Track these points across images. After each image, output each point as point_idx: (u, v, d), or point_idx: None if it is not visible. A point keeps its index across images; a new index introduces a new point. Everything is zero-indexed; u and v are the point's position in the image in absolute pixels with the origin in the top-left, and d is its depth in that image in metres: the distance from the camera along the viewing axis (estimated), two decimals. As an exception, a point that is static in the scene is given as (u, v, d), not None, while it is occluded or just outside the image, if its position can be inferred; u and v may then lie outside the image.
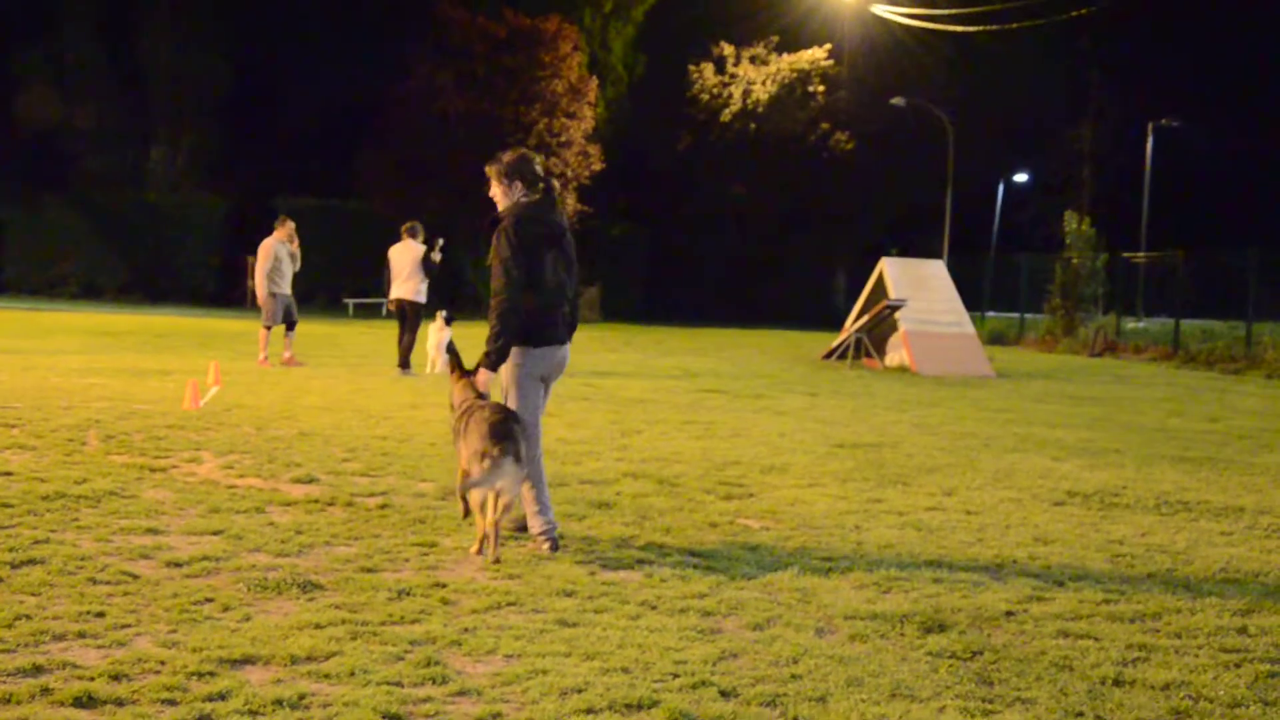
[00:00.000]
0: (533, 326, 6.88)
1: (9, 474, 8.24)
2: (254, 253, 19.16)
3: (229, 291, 44.61)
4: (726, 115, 48.74)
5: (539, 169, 7.12)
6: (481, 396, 6.97)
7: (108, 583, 5.61)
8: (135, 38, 48.33)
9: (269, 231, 19.11)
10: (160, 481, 8.31)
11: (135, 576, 5.75)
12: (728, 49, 48.51)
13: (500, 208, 7.06)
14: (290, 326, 18.88)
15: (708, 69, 48.80)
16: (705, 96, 49.05)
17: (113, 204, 46.47)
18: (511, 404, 6.93)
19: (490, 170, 7.13)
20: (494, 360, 6.86)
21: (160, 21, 47.92)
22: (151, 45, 48.18)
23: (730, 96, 48.84)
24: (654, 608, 5.58)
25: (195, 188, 48.64)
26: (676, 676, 4.63)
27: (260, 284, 18.80)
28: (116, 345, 21.63)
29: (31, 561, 5.88)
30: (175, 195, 48.04)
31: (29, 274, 45.77)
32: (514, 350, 6.90)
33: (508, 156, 7.12)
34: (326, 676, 4.48)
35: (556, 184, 7.31)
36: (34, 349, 19.66)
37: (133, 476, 8.42)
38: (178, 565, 6.01)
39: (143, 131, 49.22)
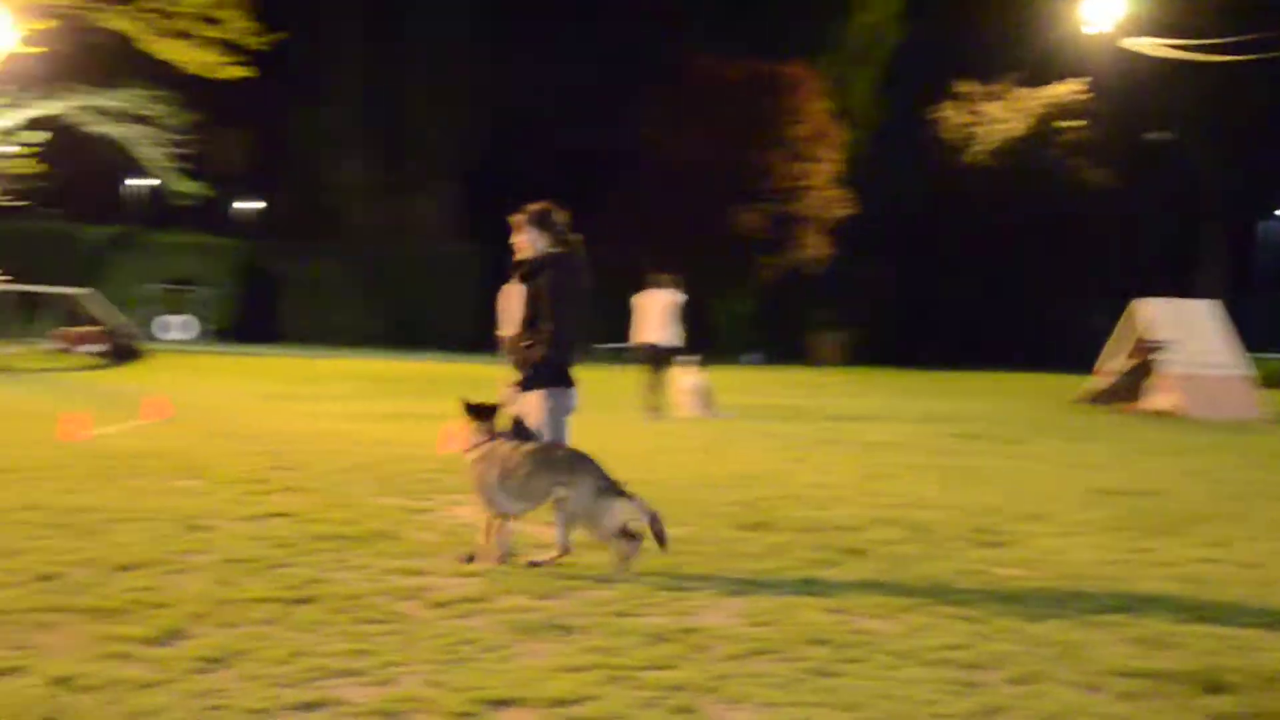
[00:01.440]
0: (563, 369, 7.50)
1: (287, 515, 8.67)
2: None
3: (484, 338, 45.96)
4: (973, 154, 47.87)
5: (563, 222, 7.60)
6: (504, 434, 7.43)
7: (377, 621, 5.84)
8: (399, 92, 50.69)
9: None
10: (424, 523, 8.62)
11: (402, 615, 5.97)
12: (972, 87, 47.67)
13: (523, 254, 7.59)
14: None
15: (952, 108, 48.07)
16: (951, 136, 48.30)
17: (379, 256, 48.74)
18: (548, 435, 7.42)
19: (517, 219, 7.63)
20: (534, 382, 7.43)
21: (418, 83, 50.15)
22: (412, 99, 50.45)
23: (977, 135, 47.95)
24: (910, 659, 5.47)
25: (453, 239, 50.55)
26: (936, 731, 4.53)
27: (506, 329, 19.31)
28: (381, 391, 22.61)
29: (307, 600, 6.17)
30: (435, 246, 50.04)
31: (304, 324, 48.33)
32: (548, 392, 7.44)
33: (535, 207, 7.62)
34: (584, 720, 4.56)
35: (578, 238, 7.67)
36: (308, 394, 20.74)
37: (399, 518, 8.76)
38: (441, 605, 6.20)
39: (405, 186, 51.50)
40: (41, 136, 29.52)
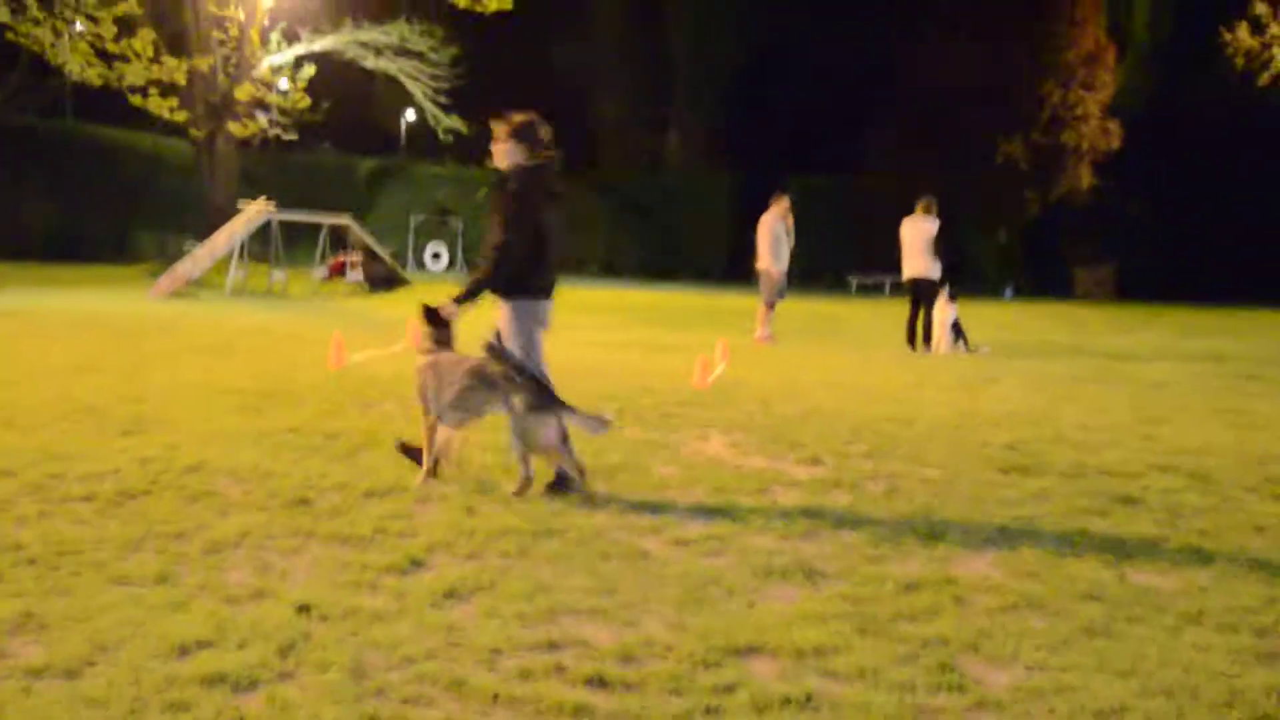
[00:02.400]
0: (536, 280, 7.41)
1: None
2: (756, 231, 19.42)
3: (737, 269, 45.86)
4: (1265, 78, 44.62)
5: (545, 135, 7.46)
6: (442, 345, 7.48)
7: (619, 558, 5.66)
8: (658, 25, 50.61)
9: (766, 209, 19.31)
10: (669, 457, 8.42)
11: (645, 553, 5.78)
12: (1263, 8, 44.32)
13: (500, 165, 7.47)
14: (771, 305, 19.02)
15: (1242, 30, 44.83)
16: (1240, 60, 45.11)
17: (632, 185, 48.98)
18: (520, 353, 7.35)
19: (498, 128, 7.49)
20: (465, 298, 7.41)
21: (677, 11, 49.93)
22: (674, 30, 50.27)
23: (1272, 58, 44.64)
24: (1197, 621, 4.96)
25: (708, 167, 50.37)
26: (1231, 706, 4.05)
27: (764, 261, 18.99)
28: (633, 321, 22.65)
29: (550, 532, 6.04)
30: (689, 175, 49.97)
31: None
32: (523, 303, 7.39)
33: (519, 118, 7.47)
34: (833, 674, 4.26)
35: (557, 154, 7.56)
36: (561, 324, 20.76)
37: (644, 451, 8.59)
38: (685, 544, 5.99)
39: (661, 116, 51.53)
40: (312, 71, 30.56)
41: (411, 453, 7.59)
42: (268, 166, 41.06)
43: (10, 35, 23.92)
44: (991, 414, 11.15)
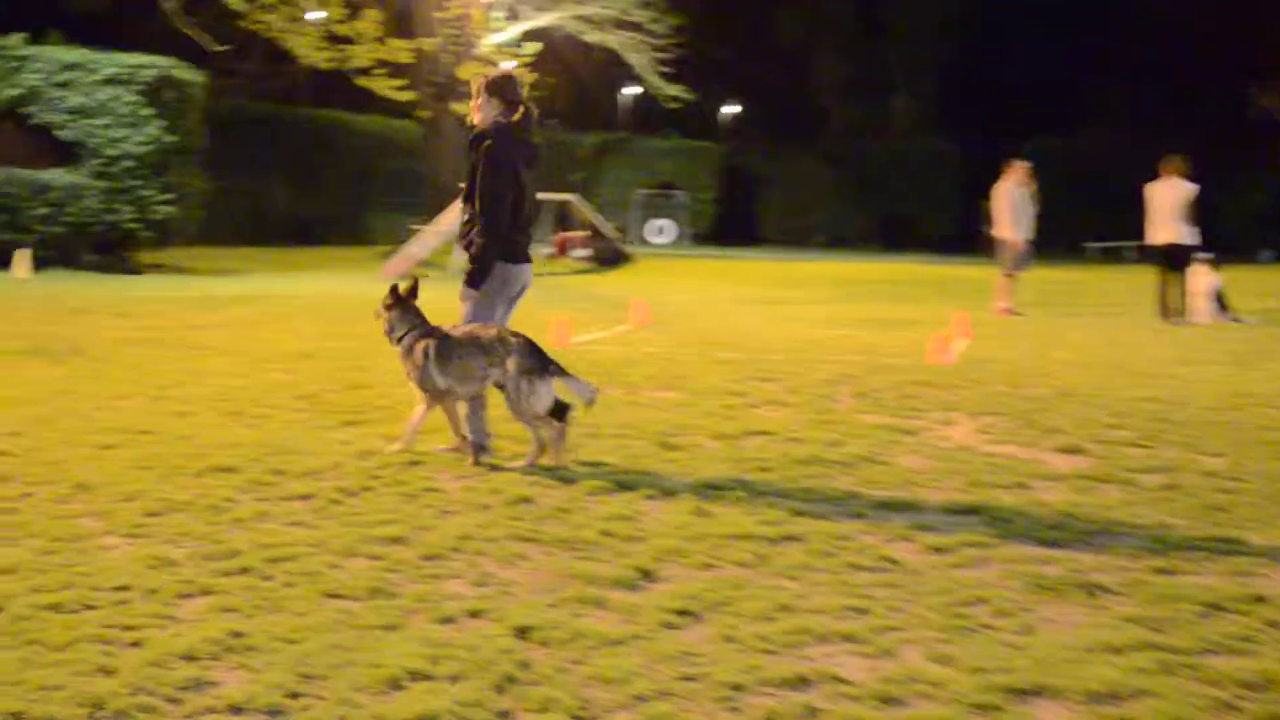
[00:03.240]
0: (512, 244, 7.12)
1: (768, 433, 8.08)
2: (988, 198, 18.45)
3: (965, 238, 44.30)
4: None
5: (521, 92, 7.27)
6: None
7: (868, 569, 5.08)
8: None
9: (999, 176, 18.32)
10: (913, 446, 7.78)
11: (895, 563, 5.18)
12: None
13: (476, 122, 7.20)
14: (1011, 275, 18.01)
15: None
16: None
17: (857, 154, 47.85)
18: (468, 317, 7.12)
19: (474, 85, 7.30)
20: (478, 279, 7.06)
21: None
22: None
23: None
24: None
25: (933, 134, 48.85)
26: None
27: (1003, 229, 18.03)
28: (861, 295, 21.87)
29: (790, 538, 5.50)
30: (914, 143, 48.56)
31: (781, 226, 48.36)
32: (499, 267, 7.08)
33: (495, 74, 7.39)
34: (1135, 725, 3.60)
35: (535, 109, 7.32)
36: (787, 299, 20.33)
37: (885, 439, 7.97)
38: (940, 551, 5.36)
39: (885, 80, 50.17)
40: (536, 48, 30.58)
41: (462, 448, 7.14)
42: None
43: (243, 23, 24.54)
44: (1271, 394, 10.11)
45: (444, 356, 6.95)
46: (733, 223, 47.68)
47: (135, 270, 21.09)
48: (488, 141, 7.07)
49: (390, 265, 23.60)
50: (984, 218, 19.25)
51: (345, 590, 4.63)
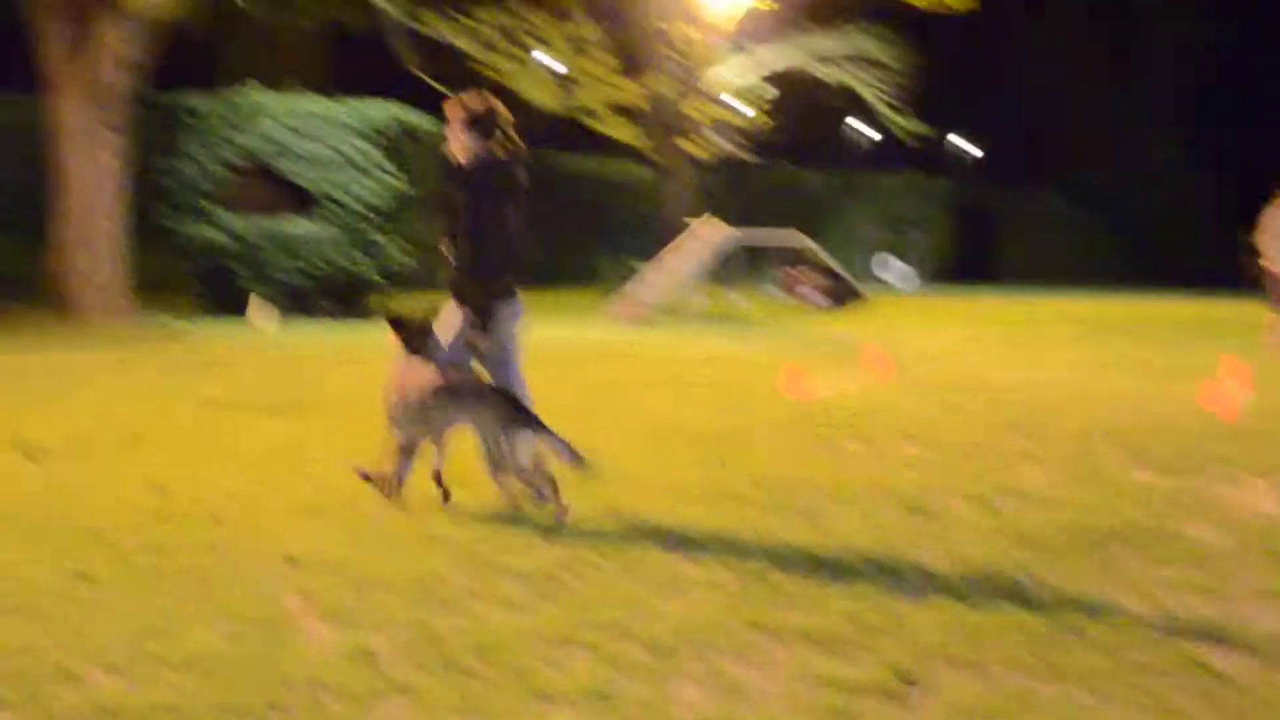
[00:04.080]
0: (504, 281, 6.92)
1: (1024, 494, 7.26)
2: (1249, 228, 17.10)
3: (1223, 272, 41.75)
4: None
5: (504, 123, 6.92)
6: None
7: (1174, 675, 4.26)
8: (1127, 21, 47.26)
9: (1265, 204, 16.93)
10: (1202, 514, 6.82)
11: (1207, 669, 4.35)
12: None
13: (457, 157, 6.88)
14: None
15: None
16: None
17: (1104, 187, 45.78)
18: (518, 357, 7.04)
19: (452, 113, 6.91)
20: (484, 323, 6.87)
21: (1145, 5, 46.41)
22: (1148, 19, 46.78)
23: None
24: None
25: (1186, 165, 46.41)
26: None
27: (1271, 261, 16.62)
28: (1114, 335, 20.49)
29: (1072, 631, 4.70)
30: (1167, 174, 46.23)
31: (1020, 262, 46.55)
32: (505, 303, 6.91)
33: (475, 104, 6.91)
34: None
35: (518, 143, 7.00)
36: (1030, 339, 19.20)
37: (1164, 504, 7.04)
38: (1256, 653, 4.50)
39: (1132, 114, 48.00)
40: (772, 93, 30.11)
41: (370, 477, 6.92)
42: (723, 185, 41.15)
43: (475, 66, 24.76)
44: None
45: (409, 388, 6.75)
46: (968, 260, 46.17)
47: (372, 316, 21.31)
48: (470, 176, 6.79)
49: (616, 308, 23.33)
50: (1245, 249, 17.86)
51: (558, 691, 4.07)
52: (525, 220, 7.18)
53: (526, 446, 6.41)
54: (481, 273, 6.84)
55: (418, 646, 4.48)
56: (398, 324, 7.05)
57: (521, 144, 7.07)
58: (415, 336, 7.00)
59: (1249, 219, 17.31)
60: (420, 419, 6.70)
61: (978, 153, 55.22)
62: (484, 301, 6.87)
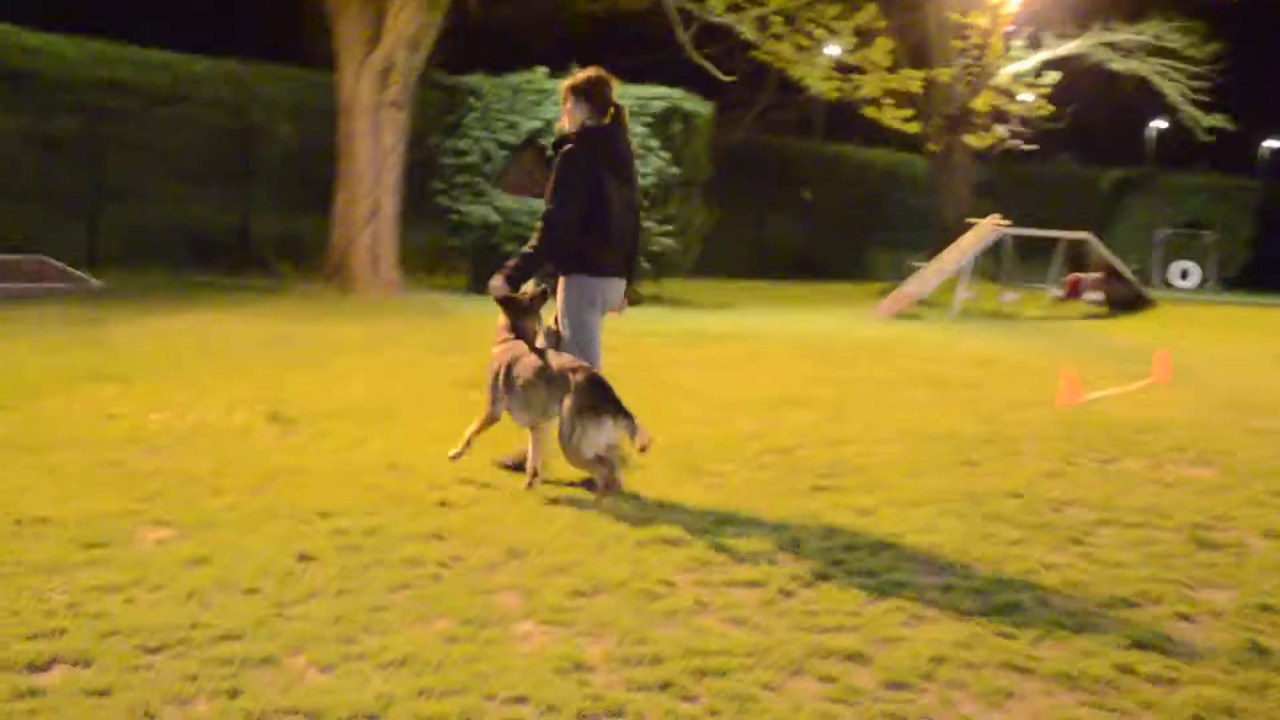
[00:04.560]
0: (594, 255, 6.72)
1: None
2: None
3: None
4: None
5: (612, 94, 6.81)
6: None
7: None
8: None
9: None
10: None
11: None
12: None
13: (564, 127, 6.83)
14: None
15: None
16: None
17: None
18: (570, 334, 6.75)
19: (563, 88, 6.87)
20: (515, 277, 6.62)
21: None
22: None
23: None
24: None
25: None
26: None
27: None
28: None
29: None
30: None
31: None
32: (576, 279, 6.73)
33: (582, 75, 6.85)
34: None
35: (625, 111, 6.88)
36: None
37: None
38: None
39: None
40: (1055, 77, 28.79)
41: (511, 467, 6.92)
42: (1003, 179, 39.67)
43: (755, 54, 24.40)
44: None
45: (515, 376, 6.55)
46: (1269, 267, 43.09)
47: (634, 301, 21.21)
48: (569, 145, 6.59)
49: (887, 303, 22.64)
50: None
51: (787, 725, 3.69)
52: (630, 199, 6.96)
53: (600, 435, 6.23)
54: (550, 237, 6.63)
55: (634, 662, 4.16)
56: (507, 303, 6.79)
57: (617, 115, 6.85)
58: (522, 315, 6.80)
59: None
60: (524, 404, 6.55)
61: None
62: (528, 262, 6.68)
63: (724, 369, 12.95)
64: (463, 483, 6.72)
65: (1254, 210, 44.06)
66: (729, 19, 22.24)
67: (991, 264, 26.98)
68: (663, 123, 21.23)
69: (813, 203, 36.32)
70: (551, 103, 20.96)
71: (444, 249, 22.12)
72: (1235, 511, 6.92)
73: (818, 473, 7.52)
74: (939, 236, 28.94)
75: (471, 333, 14.67)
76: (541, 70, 21.53)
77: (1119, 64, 30.45)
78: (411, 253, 21.46)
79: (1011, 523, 6.43)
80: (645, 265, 21.28)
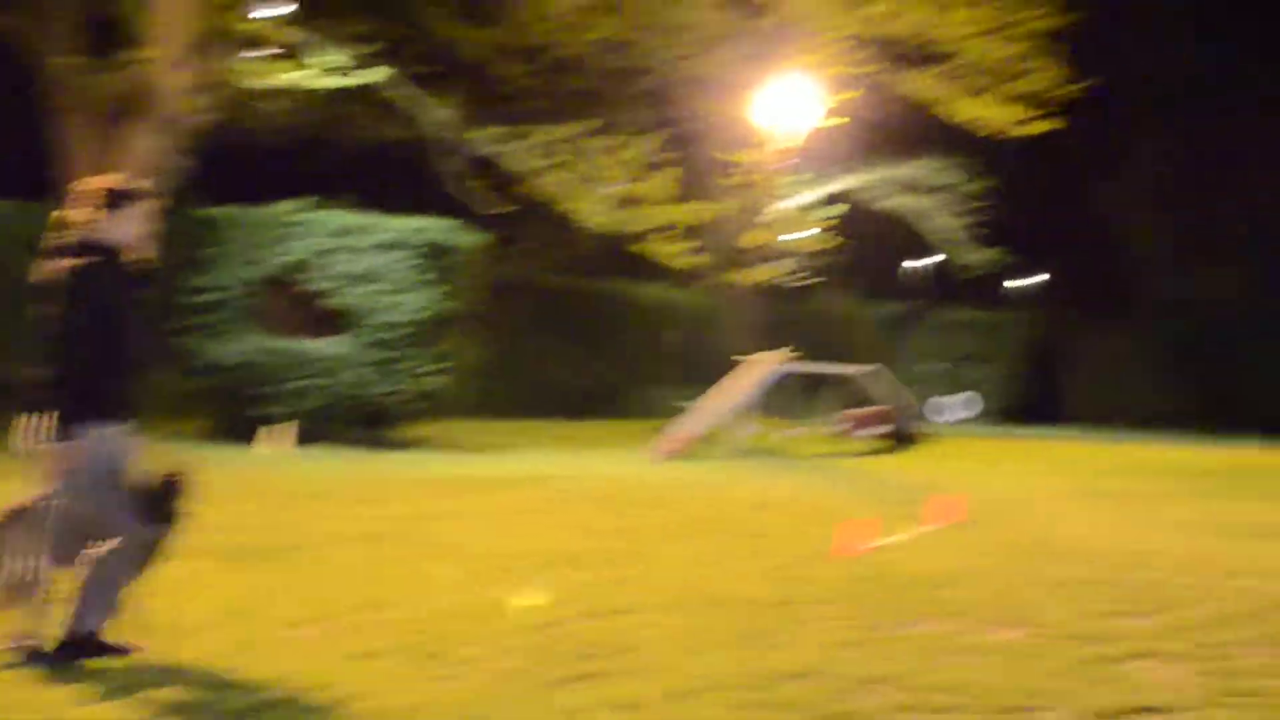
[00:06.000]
0: (102, 395, 5.56)
1: (1158, 711, 5.66)
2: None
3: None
4: None
5: (133, 201, 5.85)
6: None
7: None
8: (1200, 160, 45.97)
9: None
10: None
11: None
12: None
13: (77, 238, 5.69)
14: None
15: None
16: None
17: (1177, 325, 44.03)
18: (76, 494, 5.55)
19: (78, 192, 5.80)
20: (61, 436, 5.44)
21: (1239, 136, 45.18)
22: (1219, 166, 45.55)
23: None
24: None
25: (1266, 303, 44.56)
26: None
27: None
28: (1208, 489, 18.51)
29: None
30: (1245, 313, 44.37)
31: (1088, 403, 44.68)
32: (84, 429, 5.49)
33: (101, 181, 5.90)
34: None
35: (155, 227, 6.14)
36: (1122, 493, 17.30)
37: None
38: None
39: (1209, 251, 46.42)
40: (833, 212, 28.98)
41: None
42: (780, 315, 39.93)
43: (527, 186, 23.76)
44: None
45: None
46: (1036, 399, 44.30)
47: (402, 445, 19.97)
48: (80, 261, 5.54)
49: (661, 444, 21.82)
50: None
51: None
52: (142, 326, 5.85)
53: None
54: (71, 379, 5.53)
55: None
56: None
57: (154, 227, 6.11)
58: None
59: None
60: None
61: (1045, 286, 53.91)
62: (66, 414, 5.52)
63: (492, 521, 11.80)
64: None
65: (1020, 343, 45.35)
66: (500, 149, 21.54)
67: (773, 400, 26.59)
68: (432, 256, 20.19)
69: (593, 339, 35.71)
70: (307, 236, 19.80)
71: (191, 392, 20.41)
72: (1052, 684, 6.09)
73: (582, 654, 6.41)
74: (718, 372, 28.49)
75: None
76: (293, 203, 20.34)
77: (891, 201, 30.92)
78: (158, 397, 19.75)
79: (805, 713, 5.43)
80: (415, 406, 20.07)
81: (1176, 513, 14.65)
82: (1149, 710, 5.72)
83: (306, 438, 18.79)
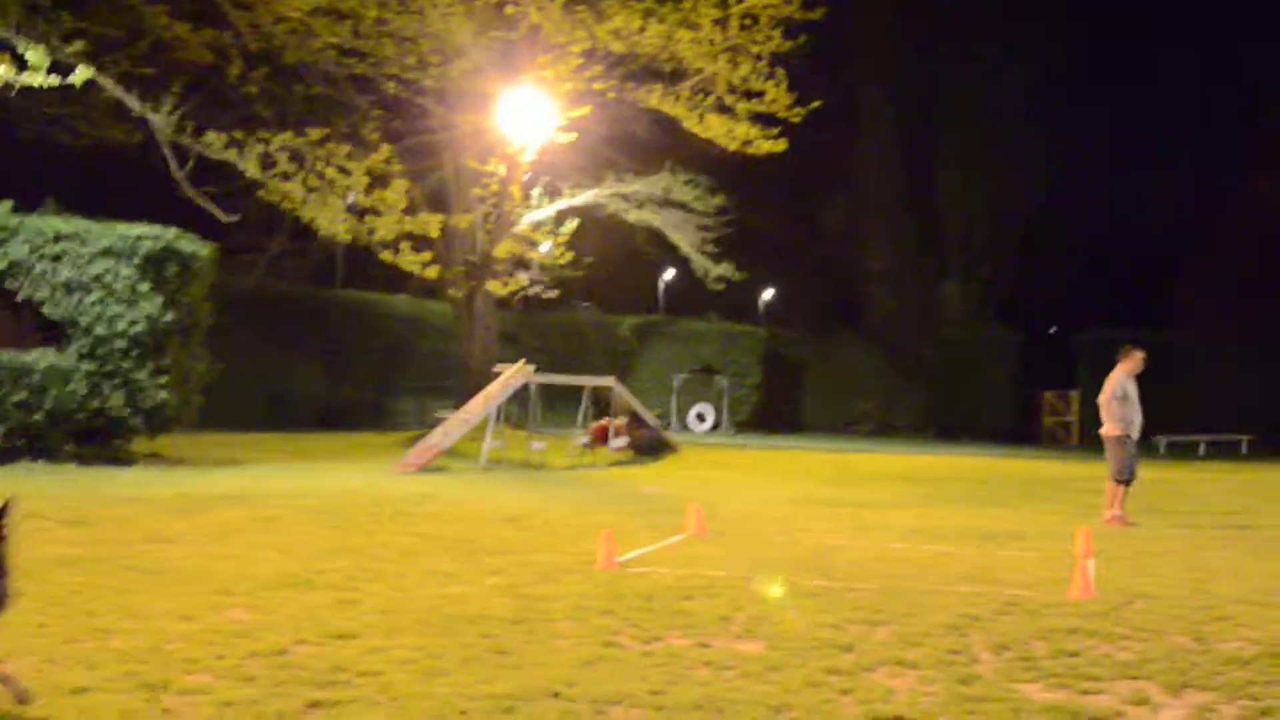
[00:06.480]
0: None
1: (900, 721, 5.72)
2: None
3: (1025, 429, 41.88)
4: None
5: None
6: None
7: None
8: (928, 174, 48.11)
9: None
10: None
11: None
12: None
13: None
14: (1128, 481, 15.53)
15: None
16: None
17: (906, 341, 45.94)
18: None
19: None
20: None
21: (952, 153, 47.34)
22: (945, 180, 47.73)
23: None
24: None
25: (987, 321, 46.95)
26: None
27: (1110, 427, 15.63)
28: (941, 495, 19.31)
29: None
30: (966, 332, 46.63)
31: (825, 413, 46.17)
32: None
33: None
34: None
35: None
36: (851, 500, 17.87)
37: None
38: None
39: (935, 266, 48.64)
40: (573, 225, 28.99)
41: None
42: (528, 326, 39.79)
43: (261, 193, 22.91)
44: None
45: None
46: (776, 409, 45.49)
47: (126, 461, 18.87)
48: None
49: (412, 455, 21.38)
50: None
51: None
52: None
53: None
54: None
55: None
56: None
57: None
58: None
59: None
60: None
61: (785, 299, 55.50)
62: None
63: (219, 541, 11.19)
64: None
65: (760, 355, 46.48)
66: (229, 154, 20.66)
67: (518, 411, 26.39)
68: (155, 265, 19.15)
69: (335, 350, 34.80)
70: (20, 241, 18.55)
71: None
72: (795, 699, 6.07)
73: (317, 682, 6.08)
74: (465, 384, 28.15)
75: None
76: (5, 205, 19.02)
77: (634, 215, 31.16)
78: None
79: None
80: (137, 421, 19.02)
81: (908, 519, 15.13)
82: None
83: (16, 455, 17.58)
